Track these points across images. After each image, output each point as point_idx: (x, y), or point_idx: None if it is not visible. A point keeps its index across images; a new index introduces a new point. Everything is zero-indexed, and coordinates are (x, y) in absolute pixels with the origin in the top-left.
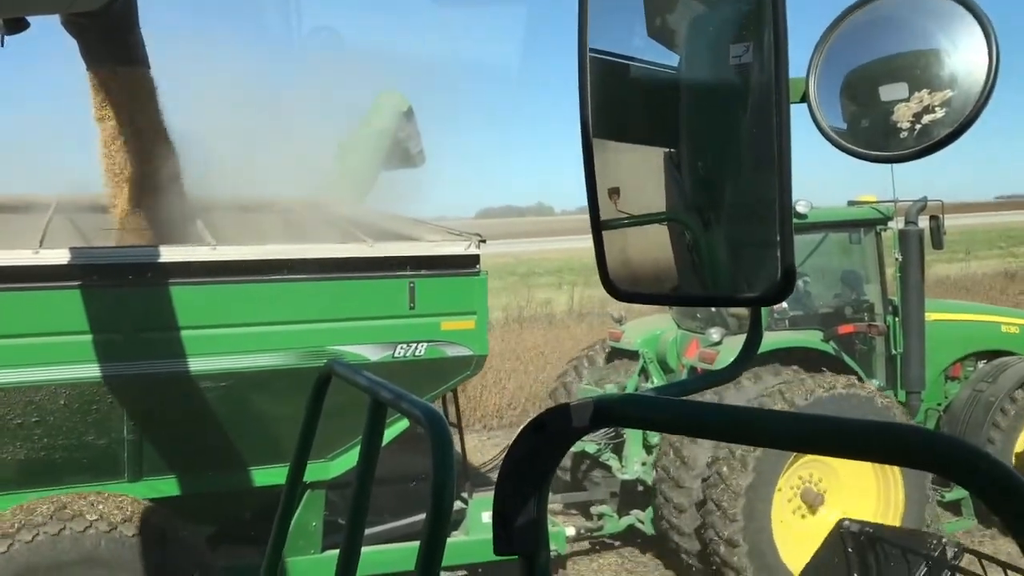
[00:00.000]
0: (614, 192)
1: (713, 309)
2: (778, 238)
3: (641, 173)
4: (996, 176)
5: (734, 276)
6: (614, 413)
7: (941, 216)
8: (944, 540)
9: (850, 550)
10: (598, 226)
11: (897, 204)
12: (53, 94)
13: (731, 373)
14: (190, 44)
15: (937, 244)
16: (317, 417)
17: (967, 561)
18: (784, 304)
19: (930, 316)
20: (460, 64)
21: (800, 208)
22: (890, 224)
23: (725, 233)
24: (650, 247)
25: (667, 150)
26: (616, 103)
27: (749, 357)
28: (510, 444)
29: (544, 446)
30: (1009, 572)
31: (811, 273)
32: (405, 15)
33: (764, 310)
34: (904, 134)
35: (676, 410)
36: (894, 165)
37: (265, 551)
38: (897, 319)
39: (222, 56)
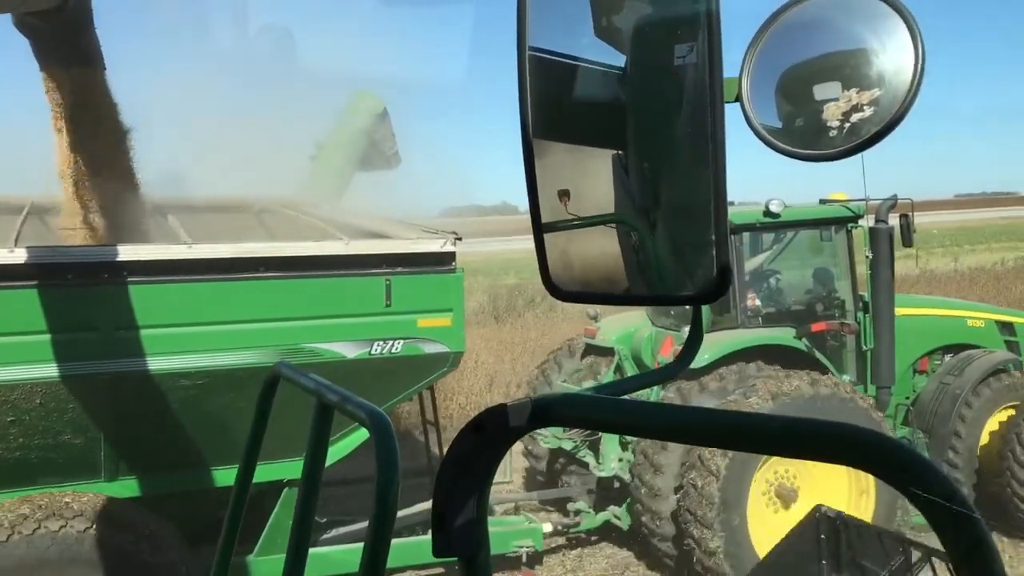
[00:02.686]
0: (564, 194)
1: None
2: (713, 238)
3: (587, 175)
4: (955, 174)
5: (675, 276)
6: (552, 413)
7: (911, 214)
8: (911, 547)
9: (823, 536)
10: (539, 227)
11: (868, 202)
12: (22, 93)
13: (671, 372)
14: (152, 43)
15: (907, 242)
16: (266, 419)
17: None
18: (757, 301)
19: (898, 311)
20: (421, 63)
21: (773, 207)
22: (861, 222)
23: (666, 233)
24: (590, 247)
25: (613, 152)
26: (558, 104)
27: (690, 355)
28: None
29: (483, 446)
30: None
31: (784, 271)
32: (357, 16)
33: (705, 309)
34: (833, 132)
35: (614, 409)
36: (865, 163)
37: (245, 549)
38: (867, 315)
39: (189, 56)
